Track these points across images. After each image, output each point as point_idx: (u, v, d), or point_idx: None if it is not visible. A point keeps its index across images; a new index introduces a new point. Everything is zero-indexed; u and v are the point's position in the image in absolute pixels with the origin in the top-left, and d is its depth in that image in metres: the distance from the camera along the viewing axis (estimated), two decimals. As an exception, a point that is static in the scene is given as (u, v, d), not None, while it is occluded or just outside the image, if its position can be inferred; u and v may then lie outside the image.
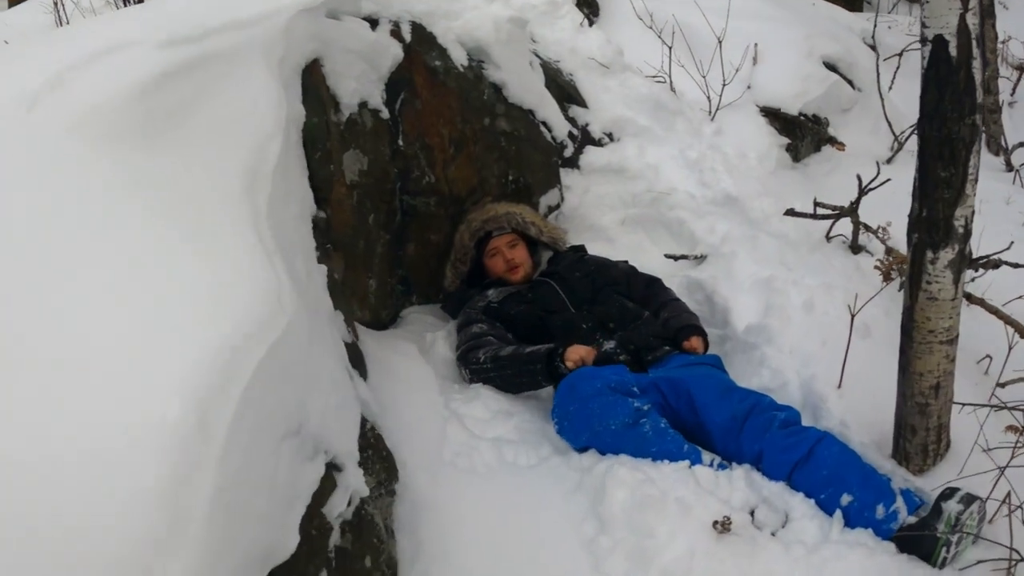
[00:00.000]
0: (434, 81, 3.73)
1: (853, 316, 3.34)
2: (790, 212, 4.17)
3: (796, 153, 5.41)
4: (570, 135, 4.42)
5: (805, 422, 3.19)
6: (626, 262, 4.00)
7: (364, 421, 2.62)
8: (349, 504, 2.34)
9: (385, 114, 3.59)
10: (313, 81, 3.23)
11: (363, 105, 3.48)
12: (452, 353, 3.62)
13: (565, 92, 4.59)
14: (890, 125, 5.76)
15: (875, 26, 6.64)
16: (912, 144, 5.61)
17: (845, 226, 4.34)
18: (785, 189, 4.92)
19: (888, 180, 4.11)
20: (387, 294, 3.74)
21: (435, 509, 2.67)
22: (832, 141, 5.46)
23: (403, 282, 3.90)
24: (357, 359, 2.97)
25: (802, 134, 5.46)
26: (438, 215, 3.90)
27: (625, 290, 3.81)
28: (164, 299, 1.99)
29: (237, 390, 1.83)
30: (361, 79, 3.45)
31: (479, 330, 3.56)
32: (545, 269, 3.93)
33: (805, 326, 3.70)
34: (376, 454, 2.60)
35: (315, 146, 3.20)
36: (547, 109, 4.24)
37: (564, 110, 4.48)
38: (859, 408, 3.35)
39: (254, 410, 1.87)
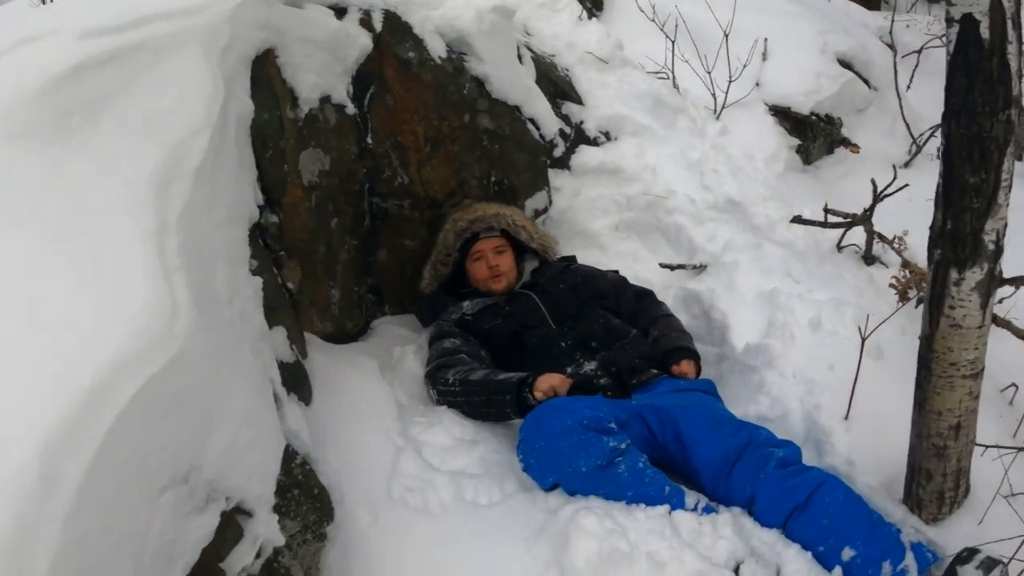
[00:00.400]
0: (407, 74, 3.33)
1: (864, 339, 2.92)
2: (798, 220, 3.73)
3: (807, 155, 4.96)
4: (561, 133, 4.01)
5: (807, 459, 2.78)
6: (616, 272, 3.60)
7: (292, 455, 2.25)
8: (259, 556, 1.97)
9: (351, 110, 3.20)
10: (265, 73, 2.85)
11: (325, 100, 3.09)
12: (422, 369, 3.23)
13: (559, 88, 4.18)
14: (908, 126, 5.28)
15: (893, 22, 6.16)
16: (932, 147, 5.23)
17: (859, 235, 3.91)
18: (794, 194, 4.47)
19: (906, 185, 3.67)
20: (353, 304, 3.35)
21: (373, 556, 2.29)
22: (846, 143, 5.00)
23: (374, 291, 3.52)
24: (298, 381, 2.58)
25: (813, 135, 5.00)
26: (412, 219, 3.51)
27: (613, 304, 3.41)
28: (20, 328, 1.64)
29: (97, 433, 1.53)
30: (323, 72, 3.06)
31: (451, 346, 3.17)
32: (528, 281, 3.53)
33: (811, 347, 3.30)
34: (304, 493, 2.22)
35: (266, 144, 2.83)
36: (535, 105, 3.83)
37: (557, 107, 4.07)
38: (868, 444, 2.95)
39: (121, 455, 1.56)
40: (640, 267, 3.84)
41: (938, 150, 5.41)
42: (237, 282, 2.25)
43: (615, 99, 4.31)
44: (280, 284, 2.85)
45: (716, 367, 3.45)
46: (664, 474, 2.62)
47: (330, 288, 3.19)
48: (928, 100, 5.79)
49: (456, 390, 2.95)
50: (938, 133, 5.28)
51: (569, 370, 3.04)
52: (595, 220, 3.92)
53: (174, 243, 2.00)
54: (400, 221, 3.48)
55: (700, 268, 3.78)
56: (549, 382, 2.81)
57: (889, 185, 3.70)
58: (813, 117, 4.97)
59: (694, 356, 3.22)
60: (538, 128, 3.86)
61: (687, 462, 2.74)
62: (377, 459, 2.59)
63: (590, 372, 3.05)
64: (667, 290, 3.71)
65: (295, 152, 2.95)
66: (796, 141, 4.86)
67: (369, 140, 3.29)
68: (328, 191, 3.12)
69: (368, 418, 2.73)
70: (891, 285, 3.42)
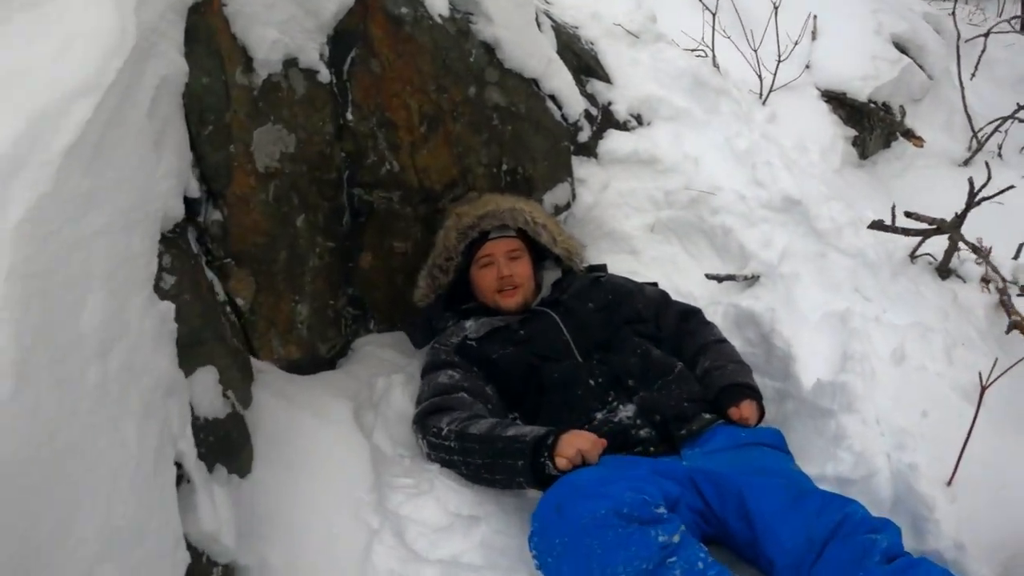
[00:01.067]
0: (398, 34, 2.51)
1: (984, 388, 2.13)
2: (878, 225, 2.91)
3: (863, 148, 4.15)
4: (587, 115, 3.17)
5: (903, 539, 2.00)
6: (655, 286, 2.79)
7: (198, 559, 1.47)
8: None
9: (326, 77, 2.38)
10: (206, 25, 2.07)
11: (291, 63, 2.28)
12: (412, 406, 2.45)
13: (584, 63, 3.35)
14: (969, 120, 4.47)
15: (955, 3, 5.29)
16: (994, 144, 4.41)
17: (933, 243, 3.10)
18: (853, 192, 3.66)
19: (1010, 187, 2.84)
20: (328, 321, 2.55)
21: None
22: (909, 134, 4.17)
23: (355, 303, 2.71)
24: (230, 445, 1.79)
25: (871, 125, 4.19)
26: (404, 215, 2.69)
27: (653, 328, 2.60)
28: None
29: None
30: (288, 27, 2.24)
31: (448, 380, 2.37)
32: (547, 296, 2.70)
33: (896, 386, 2.50)
34: (220, 634, 1.45)
35: (204, 118, 2.04)
36: (557, 79, 3.00)
37: (581, 84, 3.25)
38: (980, 519, 2.17)
39: None
40: (680, 277, 3.03)
41: (999, 147, 4.74)
42: (124, 318, 1.46)
43: (648, 78, 3.47)
44: (220, 303, 2.06)
45: (777, 406, 2.64)
46: (729, 570, 1.84)
47: (295, 303, 2.39)
48: (988, 93, 5.01)
49: (452, 446, 2.16)
50: (1003, 128, 4.57)
51: (600, 415, 2.26)
52: (627, 219, 3.10)
53: (12, 270, 1.22)
54: (388, 218, 2.67)
55: (752, 279, 2.97)
56: (576, 445, 2.01)
57: (985, 185, 2.88)
58: (871, 105, 4.15)
59: (756, 396, 2.42)
60: (560, 106, 3.02)
61: (757, 546, 1.96)
62: (342, 552, 1.80)
63: (627, 420, 2.24)
64: (714, 307, 2.89)
65: (246, 129, 2.15)
66: (852, 132, 4.07)
67: (349, 116, 2.47)
68: (293, 180, 2.31)
69: (333, 489, 1.93)
70: (1014, 321, 2.62)
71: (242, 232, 2.16)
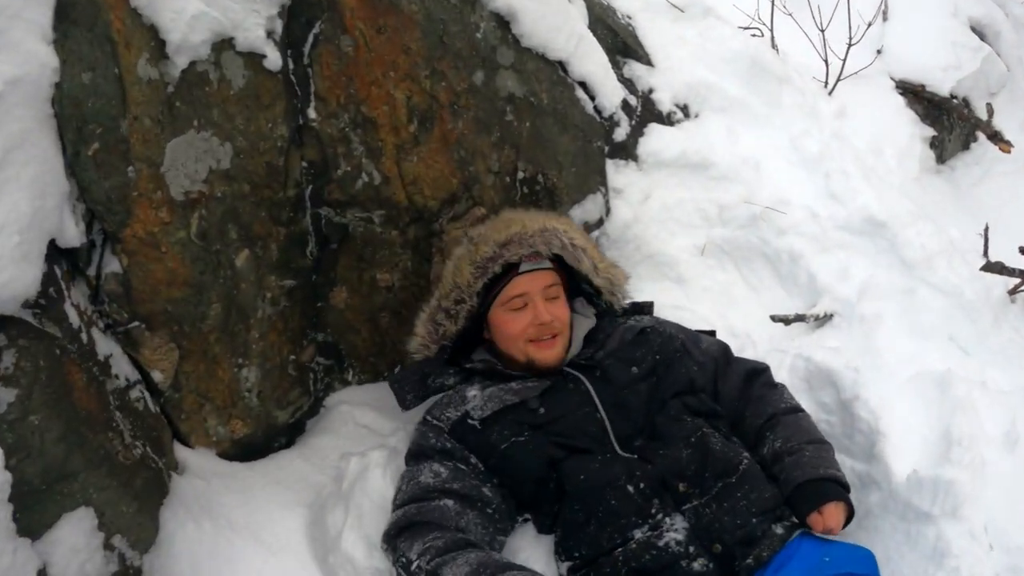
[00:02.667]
0: (378, 3, 1.88)
1: None
2: (994, 268, 2.28)
3: (941, 151, 3.50)
4: (624, 106, 2.52)
5: None
6: (713, 337, 2.16)
7: None
8: None
9: (276, 62, 1.73)
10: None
11: (224, 46, 1.64)
12: (389, 492, 1.86)
13: (619, 40, 2.68)
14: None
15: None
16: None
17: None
18: (934, 205, 3.04)
19: None
20: (289, 381, 1.94)
21: None
22: (996, 138, 3.48)
23: (327, 351, 2.10)
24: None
25: (950, 124, 3.53)
26: (388, 240, 2.06)
27: (709, 400, 1.98)
28: None
29: None
30: (221, -5, 1.63)
31: (432, 481, 1.76)
32: (579, 353, 2.03)
33: (1009, 482, 1.97)
34: None
35: (85, 132, 1.42)
36: (589, 61, 2.33)
37: (617, 67, 2.60)
38: None
39: None
40: (735, 314, 2.40)
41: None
42: None
43: (696, 60, 2.81)
44: (116, 392, 1.47)
45: (858, 496, 2.02)
46: None
47: (238, 368, 1.78)
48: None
49: None
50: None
51: (639, 535, 1.66)
52: (672, 239, 2.45)
53: None
54: (368, 244, 2.04)
55: (824, 319, 2.36)
56: None
57: None
58: (953, 100, 3.49)
59: (842, 494, 1.81)
60: (592, 96, 2.36)
61: None
62: None
63: (676, 547, 1.64)
64: (778, 357, 2.25)
65: (154, 142, 1.52)
66: (930, 131, 3.41)
67: (311, 114, 1.84)
68: (229, 206, 1.69)
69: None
70: None
71: (152, 285, 1.56)
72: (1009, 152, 3.37)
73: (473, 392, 1.92)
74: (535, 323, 1.95)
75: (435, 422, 1.89)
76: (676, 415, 1.86)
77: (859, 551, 1.76)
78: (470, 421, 1.85)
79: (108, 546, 1.26)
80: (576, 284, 2.14)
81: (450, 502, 1.72)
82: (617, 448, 1.80)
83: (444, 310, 2.01)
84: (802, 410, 2.05)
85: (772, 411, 2.00)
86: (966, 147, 3.63)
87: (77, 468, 1.23)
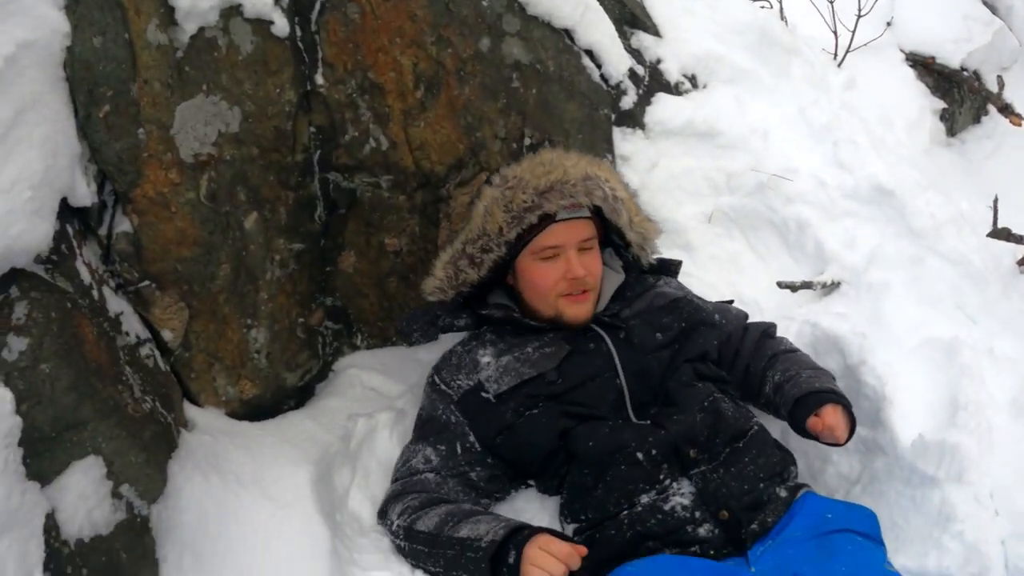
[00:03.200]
0: (385, -30, 1.91)
1: None
2: (1001, 234, 2.28)
3: (951, 123, 3.48)
4: (631, 75, 2.51)
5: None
6: (731, 306, 2.15)
7: None
8: None
9: (284, 28, 1.76)
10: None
11: (232, 13, 1.67)
12: (396, 453, 1.90)
13: (627, 10, 2.67)
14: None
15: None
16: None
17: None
18: (944, 178, 3.02)
19: None
20: (298, 344, 1.99)
21: None
22: (1007, 111, 3.45)
23: (336, 315, 2.14)
24: (118, 570, 1.26)
25: (961, 97, 3.51)
26: (395, 205, 2.09)
27: (728, 368, 1.99)
28: None
29: None
30: (229, -39, 1.65)
31: (419, 467, 1.78)
32: (606, 309, 1.97)
33: (1015, 447, 1.96)
34: None
35: (97, 94, 1.45)
36: (595, 30, 2.34)
37: (624, 37, 2.59)
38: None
39: None
40: (744, 281, 2.40)
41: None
42: None
43: (704, 31, 2.78)
44: (125, 348, 1.51)
45: (864, 461, 2.04)
46: None
47: (247, 329, 1.83)
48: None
49: (402, 545, 1.65)
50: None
51: (646, 499, 1.66)
52: (679, 207, 2.45)
53: None
54: (376, 208, 2.07)
55: (832, 287, 2.37)
56: (548, 569, 1.45)
57: None
58: (964, 73, 3.46)
59: (841, 401, 1.81)
60: (599, 65, 2.37)
61: None
62: None
63: (682, 511, 1.64)
64: (785, 323, 2.25)
65: (164, 105, 1.56)
66: (941, 104, 3.38)
67: (319, 80, 1.87)
68: (238, 169, 1.73)
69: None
70: None
71: (162, 245, 1.60)
72: (1020, 125, 3.33)
73: (487, 358, 1.86)
74: (568, 276, 1.86)
75: (445, 389, 1.86)
76: (688, 380, 1.84)
77: (861, 510, 1.78)
78: (484, 394, 1.81)
79: (116, 494, 1.31)
80: (607, 235, 2.06)
81: (431, 475, 1.75)
82: (632, 416, 1.78)
83: (468, 256, 1.91)
84: (800, 351, 2.06)
85: (772, 353, 2.00)
86: (977, 120, 3.60)
87: (87, 417, 1.27)
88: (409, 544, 1.64)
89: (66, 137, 1.38)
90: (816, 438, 1.78)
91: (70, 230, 1.43)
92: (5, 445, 1.08)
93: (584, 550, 1.52)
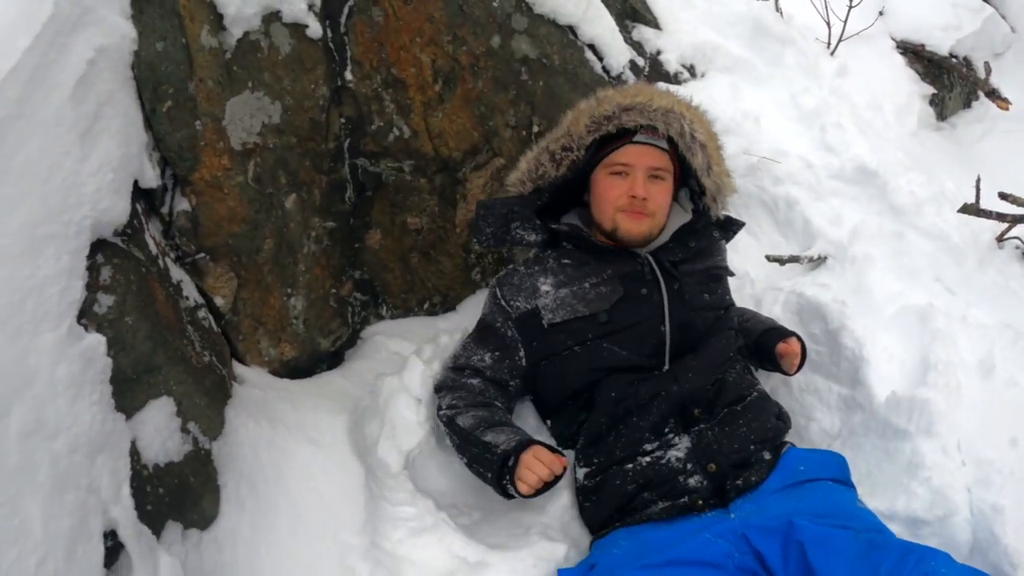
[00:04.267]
0: (405, -24, 2.13)
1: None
2: (970, 209, 2.47)
3: (941, 108, 3.62)
4: (632, 66, 2.72)
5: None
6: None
7: None
8: None
9: (317, 31, 1.99)
10: (162, -23, 1.69)
11: (272, 18, 1.90)
12: (421, 412, 2.13)
13: (627, 5, 2.89)
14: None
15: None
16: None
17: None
18: (931, 159, 3.18)
19: None
20: (330, 312, 2.22)
21: None
22: (994, 95, 3.60)
23: (364, 288, 2.37)
24: (187, 493, 1.50)
25: (951, 83, 3.65)
26: (417, 187, 2.31)
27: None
28: None
29: None
30: (269, -28, 1.88)
31: (475, 365, 2.00)
32: (665, 248, 2.10)
33: (983, 404, 2.13)
34: None
35: (160, 91, 1.69)
36: (597, 24, 2.56)
37: (626, 31, 2.81)
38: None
39: None
40: (735, 256, 2.57)
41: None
42: (27, 368, 1.15)
43: (702, 23, 2.99)
44: (187, 311, 1.75)
45: (844, 417, 2.26)
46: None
47: (287, 297, 2.07)
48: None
49: (443, 428, 1.96)
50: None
51: (649, 450, 1.85)
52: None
53: None
54: (399, 190, 2.30)
55: (818, 261, 2.57)
56: (536, 472, 1.71)
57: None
58: (953, 59, 3.61)
59: (799, 336, 2.18)
60: (600, 58, 2.59)
61: (824, 609, 1.62)
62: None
63: (675, 463, 1.83)
64: (773, 294, 2.47)
65: (216, 100, 1.79)
66: (930, 89, 3.54)
67: (348, 76, 2.09)
68: (279, 156, 1.96)
69: (315, 533, 1.63)
70: None
71: (216, 222, 1.84)
72: (1007, 109, 3.48)
73: (546, 287, 2.02)
74: (629, 193, 2.01)
75: (505, 306, 2.03)
76: (724, 346, 2.00)
77: (830, 456, 1.98)
78: (539, 320, 1.99)
79: (184, 430, 1.55)
80: (686, 178, 2.21)
81: (476, 381, 1.99)
82: (667, 362, 1.94)
83: (550, 153, 2.11)
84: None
85: (730, 305, 2.22)
86: (967, 105, 3.74)
87: (160, 363, 1.51)
88: (448, 431, 1.93)
89: (135, 128, 1.62)
90: (777, 363, 2.11)
91: (139, 209, 1.66)
92: (101, 380, 1.32)
93: (566, 460, 1.78)
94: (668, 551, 1.63)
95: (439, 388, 2.03)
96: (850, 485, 1.93)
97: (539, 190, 2.13)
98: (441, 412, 1.96)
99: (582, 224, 2.15)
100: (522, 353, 2.02)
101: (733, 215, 2.30)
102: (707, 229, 2.18)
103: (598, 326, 1.96)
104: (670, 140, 2.09)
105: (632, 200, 2.02)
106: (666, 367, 1.94)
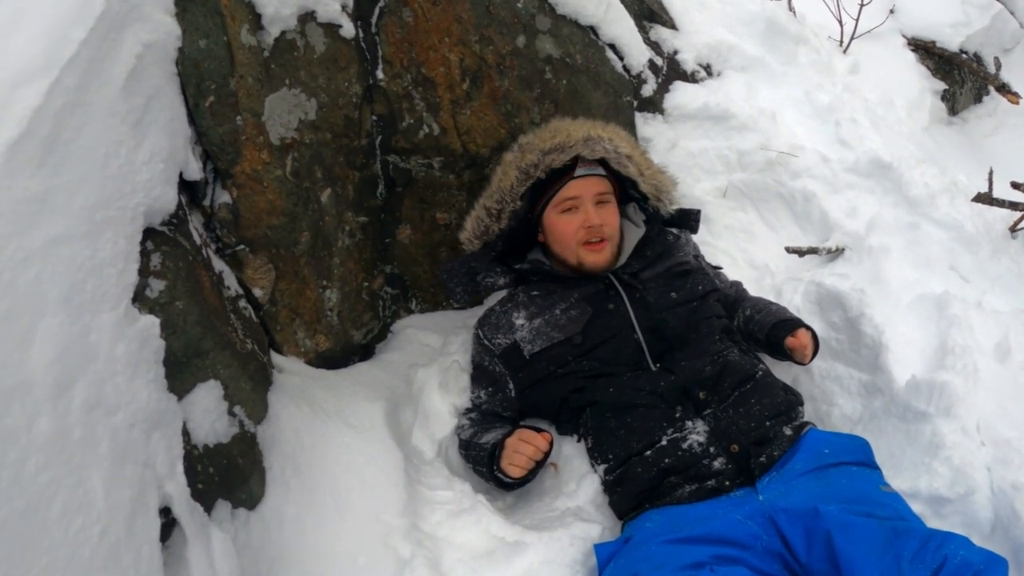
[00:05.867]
0: (434, -22, 2.15)
1: None
2: (983, 198, 2.47)
3: (953, 103, 3.64)
4: (651, 65, 2.75)
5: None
6: (721, 270, 2.39)
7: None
8: None
9: (350, 31, 2.02)
10: (204, -22, 1.72)
11: (308, 18, 1.92)
12: (453, 400, 2.15)
13: (645, 7, 2.91)
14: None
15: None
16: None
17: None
18: (943, 153, 3.20)
19: None
20: (362, 305, 2.24)
21: None
22: (1004, 90, 3.62)
23: (394, 282, 2.39)
24: (235, 473, 1.51)
25: (961, 78, 3.66)
26: (446, 183, 2.33)
27: (730, 317, 2.23)
28: None
29: None
30: (305, -26, 1.90)
31: (483, 399, 2.12)
32: (626, 265, 2.16)
33: (1000, 387, 2.13)
34: None
35: (203, 88, 1.71)
36: (617, 25, 2.58)
37: (643, 31, 2.82)
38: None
39: None
40: (755, 248, 2.63)
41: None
42: (89, 344, 1.17)
43: (717, 23, 3.02)
44: (229, 300, 1.77)
45: (864, 403, 2.26)
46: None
47: (323, 289, 2.08)
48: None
49: (460, 452, 2.07)
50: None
51: (666, 439, 1.86)
52: (696, 183, 2.69)
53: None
54: (429, 187, 2.32)
55: (836, 253, 2.57)
56: (523, 453, 1.83)
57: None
58: (963, 55, 3.62)
59: (809, 327, 2.16)
60: (621, 57, 2.61)
61: (843, 594, 1.62)
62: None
63: (698, 447, 1.84)
64: (793, 285, 2.48)
65: (256, 97, 1.81)
66: (941, 85, 3.57)
67: (379, 75, 2.12)
68: (315, 151, 1.98)
69: (359, 513, 1.64)
70: None
71: (255, 214, 1.85)
72: (1017, 103, 3.49)
73: (520, 320, 2.10)
74: (585, 225, 2.08)
75: (488, 344, 2.12)
76: (707, 333, 2.04)
77: (854, 440, 1.98)
78: (520, 352, 2.06)
79: (231, 413, 1.56)
80: (626, 191, 2.27)
81: (475, 414, 2.10)
82: (651, 365, 1.97)
83: (487, 209, 2.19)
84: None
85: (742, 298, 2.30)
86: (978, 100, 3.76)
87: (208, 348, 1.53)
88: (460, 453, 2.04)
89: (180, 122, 1.64)
90: (790, 356, 2.10)
91: (183, 200, 1.68)
92: (155, 360, 1.34)
93: (549, 436, 1.87)
94: (700, 526, 1.65)
95: (456, 431, 2.11)
96: (875, 467, 1.93)
97: (487, 245, 2.20)
98: (457, 443, 2.07)
99: (544, 257, 2.22)
100: (511, 385, 2.11)
101: (685, 206, 2.37)
102: (662, 234, 2.26)
103: (574, 347, 2.02)
104: (602, 163, 2.18)
105: (590, 230, 2.09)
106: (653, 368, 1.98)
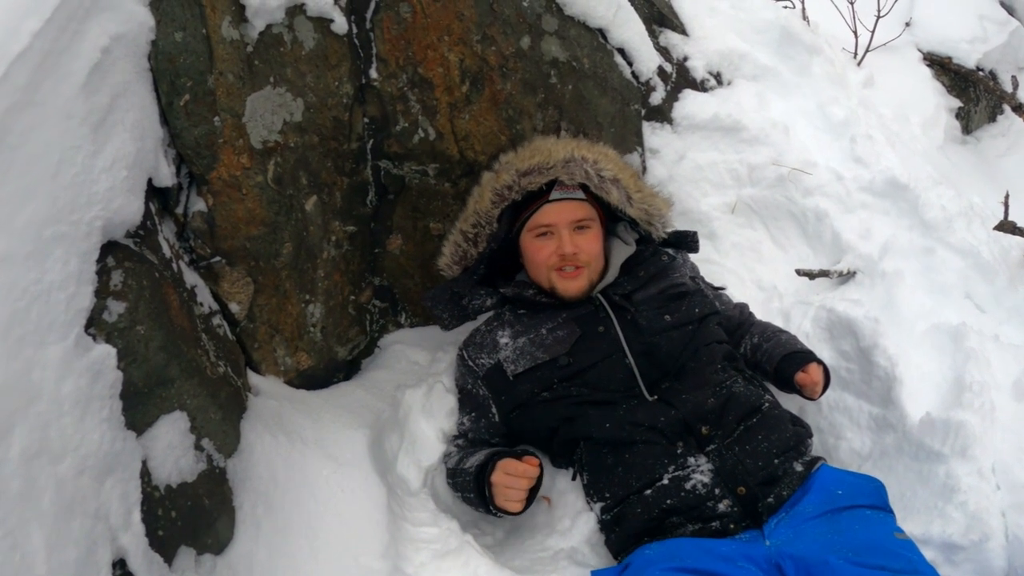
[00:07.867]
0: (434, -28, 1.99)
1: None
2: (1006, 227, 2.33)
3: (967, 122, 3.50)
4: (660, 72, 2.60)
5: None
6: (724, 291, 2.27)
7: None
8: None
9: (343, 26, 1.85)
10: (182, -36, 1.55)
11: (296, 11, 1.76)
12: (442, 424, 2.00)
13: (655, 10, 2.75)
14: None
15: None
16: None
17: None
18: (957, 173, 3.06)
19: None
20: (349, 320, 2.08)
21: None
22: (1021, 109, 3.48)
23: (383, 294, 2.23)
24: (203, 514, 1.35)
25: (976, 96, 3.53)
26: (441, 191, 2.17)
27: (736, 343, 2.09)
28: None
29: None
30: (295, -37, 1.74)
31: (467, 426, 1.98)
32: (614, 285, 2.03)
33: (1017, 427, 2.00)
34: None
35: (177, 85, 1.54)
36: (627, 29, 2.42)
37: (653, 36, 2.66)
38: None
39: None
40: (764, 269, 2.48)
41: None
42: (30, 384, 1.01)
43: (728, 30, 2.86)
44: (201, 317, 1.60)
45: (875, 438, 2.12)
46: None
47: (305, 304, 1.92)
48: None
49: (447, 482, 1.93)
50: None
51: (668, 477, 1.72)
52: (704, 197, 2.53)
53: None
54: (423, 195, 2.16)
55: (848, 276, 2.43)
56: (515, 487, 1.70)
57: None
58: (980, 72, 3.48)
59: (820, 360, 2.00)
60: (630, 62, 2.45)
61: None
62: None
63: (702, 488, 1.69)
64: (802, 309, 2.34)
65: (237, 96, 1.65)
66: (956, 102, 3.42)
67: (373, 74, 1.96)
68: (300, 155, 1.82)
69: (335, 557, 1.49)
70: None
71: (233, 224, 1.69)
72: (1033, 122, 3.37)
73: (505, 339, 1.97)
74: (558, 252, 1.95)
75: (472, 365, 1.99)
76: (708, 361, 1.89)
77: (869, 482, 1.84)
78: (504, 373, 1.92)
79: (198, 447, 1.40)
80: (614, 212, 2.11)
81: (461, 441, 1.95)
82: (645, 393, 1.83)
83: (463, 234, 2.06)
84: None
85: (748, 323, 2.17)
86: (992, 119, 3.62)
87: (174, 376, 1.37)
88: (447, 479, 1.90)
89: (151, 123, 1.47)
90: (800, 391, 1.96)
91: (152, 208, 1.52)
92: (110, 395, 1.18)
93: (535, 460, 1.74)
94: (702, 560, 1.52)
95: (443, 459, 1.96)
96: (889, 510, 1.79)
97: (467, 269, 2.07)
98: (445, 474, 1.93)
99: (530, 281, 2.07)
100: (494, 410, 1.96)
101: (680, 227, 2.22)
102: (656, 255, 2.11)
103: (560, 369, 1.88)
104: (584, 186, 2.03)
105: (562, 258, 1.96)
106: (648, 397, 1.83)
